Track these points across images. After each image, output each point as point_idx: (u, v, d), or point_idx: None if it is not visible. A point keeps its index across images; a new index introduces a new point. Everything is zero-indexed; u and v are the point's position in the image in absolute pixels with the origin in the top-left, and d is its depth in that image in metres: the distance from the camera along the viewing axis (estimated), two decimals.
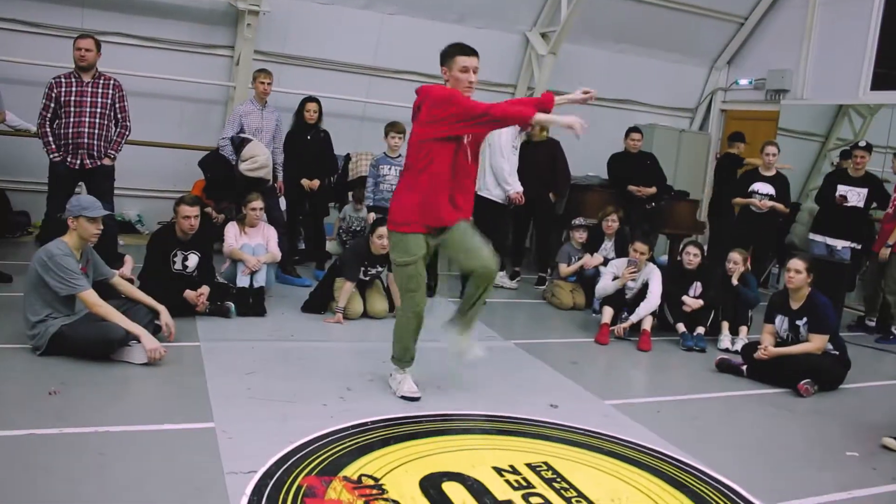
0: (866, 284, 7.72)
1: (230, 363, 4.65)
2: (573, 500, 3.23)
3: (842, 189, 7.39)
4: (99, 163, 6.22)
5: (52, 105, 6.05)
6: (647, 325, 6.10)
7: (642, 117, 10.74)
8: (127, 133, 6.38)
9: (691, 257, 6.32)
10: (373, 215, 6.65)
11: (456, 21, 9.27)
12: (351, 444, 3.59)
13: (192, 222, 5.58)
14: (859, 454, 4.14)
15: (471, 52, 4.14)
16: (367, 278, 6.11)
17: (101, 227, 4.59)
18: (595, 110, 10.56)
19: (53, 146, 6.08)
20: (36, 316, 4.39)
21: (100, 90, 6.16)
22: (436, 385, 4.48)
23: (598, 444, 3.87)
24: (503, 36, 9.69)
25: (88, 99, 6.11)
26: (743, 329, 6.29)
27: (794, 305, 5.31)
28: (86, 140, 6.12)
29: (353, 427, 3.78)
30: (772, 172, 7.73)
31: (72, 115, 6.08)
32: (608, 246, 7.36)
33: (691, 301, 6.24)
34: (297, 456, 3.41)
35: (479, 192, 7.21)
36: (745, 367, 5.39)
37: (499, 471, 3.44)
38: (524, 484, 3.34)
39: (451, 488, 3.24)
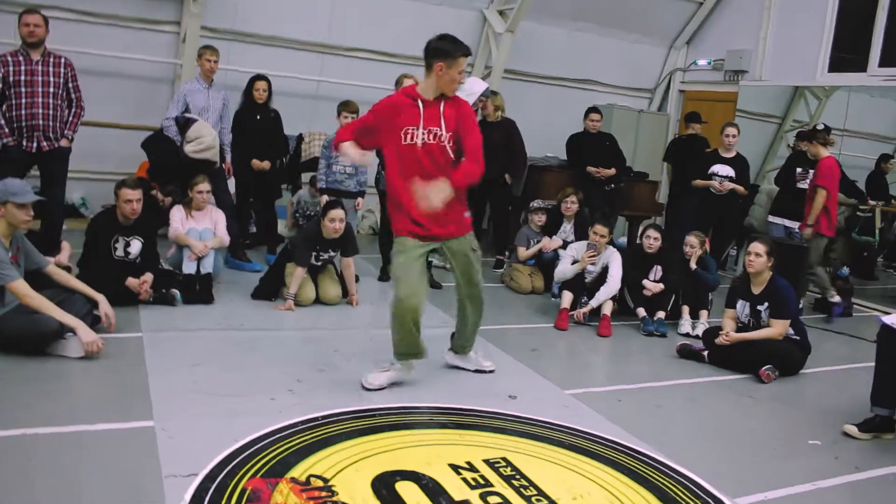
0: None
1: (174, 355, 4.42)
2: (533, 499, 3.09)
3: (800, 172, 7.40)
4: (56, 145, 5.94)
5: (0, 86, 5.73)
6: (607, 309, 5.99)
7: (601, 97, 10.62)
8: (82, 113, 6.14)
9: (651, 241, 6.22)
10: (325, 198, 6.42)
11: None
12: (299, 442, 3.40)
13: (135, 206, 5.30)
14: (822, 442, 4.09)
15: (470, 52, 4.11)
16: (319, 263, 5.89)
17: (32, 213, 4.30)
18: (554, 90, 10.48)
19: (6, 130, 5.77)
20: None
21: (51, 69, 5.87)
22: None
23: (559, 438, 3.74)
24: (460, 13, 9.45)
25: (40, 78, 5.83)
26: (703, 313, 6.23)
27: (756, 290, 5.24)
28: (41, 122, 5.85)
29: (301, 423, 3.59)
30: (731, 154, 7.69)
31: (23, 95, 5.79)
32: (567, 228, 7.23)
33: (651, 285, 6.14)
34: (242, 456, 3.21)
35: None
36: (706, 353, 5.31)
37: (455, 468, 3.29)
38: (482, 482, 3.19)
39: (405, 488, 3.08)
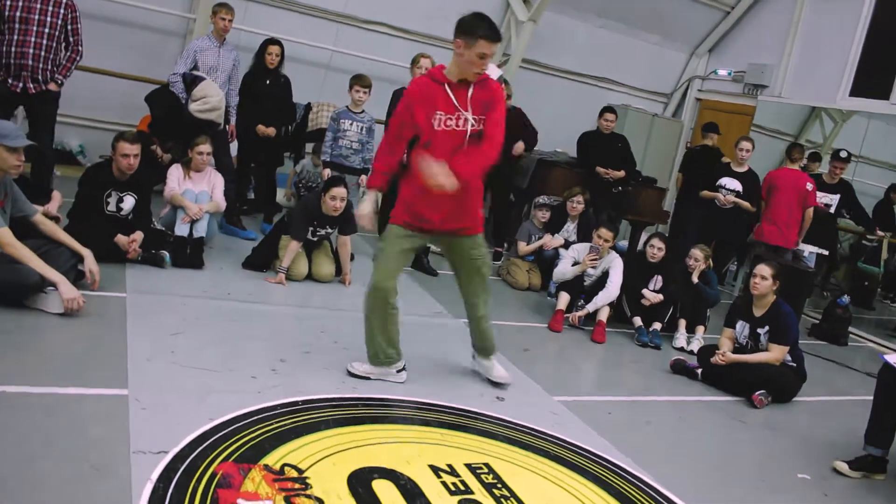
0: None
1: (156, 320, 4.27)
2: None
3: (817, 195, 7.28)
4: (44, 87, 5.73)
5: None
6: (604, 315, 5.87)
7: (616, 97, 10.48)
8: (78, 58, 5.91)
9: (655, 250, 6.08)
10: (328, 172, 6.26)
11: None
12: (277, 427, 3.27)
13: (132, 161, 5.13)
14: (811, 477, 3.98)
15: (497, 38, 3.68)
16: (315, 239, 5.75)
17: (23, 158, 4.14)
18: (570, 84, 10.32)
19: None
20: None
21: (50, 7, 5.64)
22: None
23: (545, 447, 3.61)
24: None
25: (37, 17, 5.60)
26: (700, 328, 6.10)
27: (757, 312, 5.11)
28: (30, 62, 5.63)
29: (281, 406, 3.46)
30: (743, 168, 7.55)
31: (16, 32, 5.56)
32: (570, 228, 7.09)
33: (651, 295, 6.02)
34: (217, 436, 3.07)
35: None
36: (700, 371, 5.19)
37: (436, 470, 3.16)
38: (461, 488, 3.06)
39: (382, 487, 2.95)
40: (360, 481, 2.96)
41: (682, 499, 3.37)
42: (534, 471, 3.35)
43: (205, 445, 2.98)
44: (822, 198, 7.25)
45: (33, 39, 5.60)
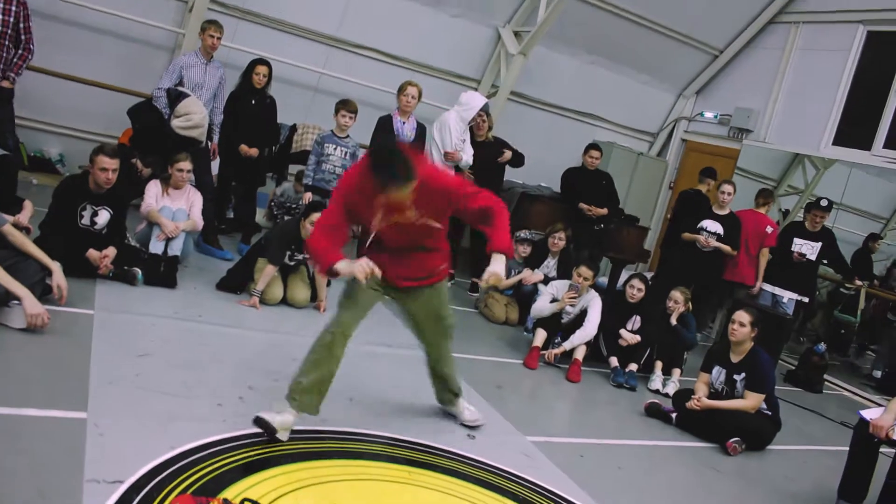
0: None
1: (123, 340, 4.16)
2: None
3: (797, 243, 7.32)
4: None
5: None
6: (580, 354, 5.82)
7: (602, 134, 10.51)
8: (29, 56, 5.87)
9: (635, 291, 6.05)
10: (309, 196, 6.19)
11: (430, 4, 8.85)
12: (240, 458, 3.17)
13: (110, 176, 5.03)
14: None
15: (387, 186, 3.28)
16: (292, 263, 5.66)
17: None
18: (556, 119, 10.34)
19: None
20: None
21: (1, 5, 5.57)
22: (347, 396, 4.07)
23: (515, 490, 3.53)
24: (475, 28, 9.30)
25: None
26: (676, 371, 6.06)
27: (735, 359, 5.08)
28: None
29: (245, 437, 3.36)
30: (724, 211, 7.55)
31: None
32: (551, 264, 7.05)
33: (629, 336, 5.97)
34: (176, 466, 2.97)
35: None
36: (674, 415, 5.14)
37: None
38: None
39: None
40: None
41: None
42: None
43: (163, 476, 2.87)
44: (803, 246, 7.26)
45: None
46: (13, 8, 5.61)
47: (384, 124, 6.53)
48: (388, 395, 4.32)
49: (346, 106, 6.37)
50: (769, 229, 7.78)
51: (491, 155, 7.46)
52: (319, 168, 6.33)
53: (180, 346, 4.33)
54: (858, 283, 8.22)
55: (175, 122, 6.12)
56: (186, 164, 5.75)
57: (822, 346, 7.68)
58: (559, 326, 6.02)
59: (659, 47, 10.09)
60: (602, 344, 6.09)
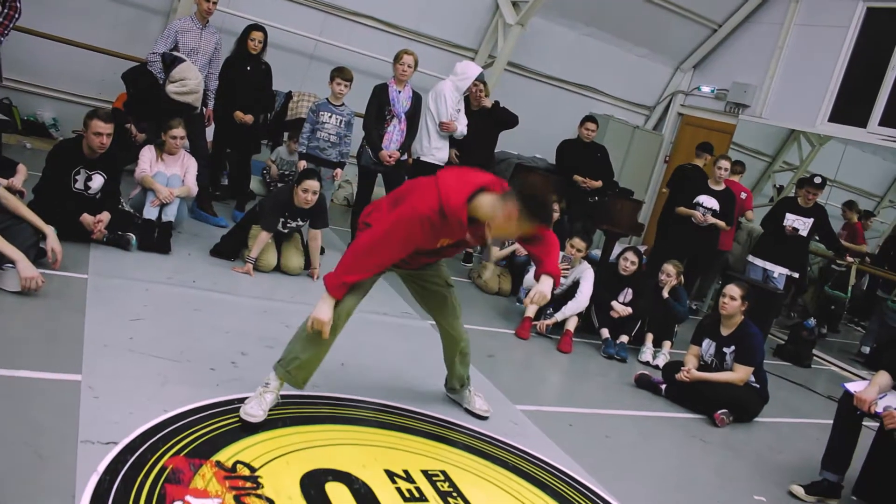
0: None
1: (117, 305, 4.18)
2: None
3: (790, 218, 7.33)
4: None
5: None
6: (571, 325, 5.86)
7: (599, 106, 10.49)
8: (16, 16, 5.71)
9: (628, 264, 6.08)
10: (303, 163, 6.18)
11: None
12: (232, 422, 3.21)
13: (104, 140, 5.01)
14: (767, 499, 3.99)
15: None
16: (286, 230, 5.67)
17: None
18: (553, 91, 10.30)
19: None
20: None
21: None
22: (339, 362, 4.10)
23: (503, 457, 3.58)
24: None
25: None
26: (667, 343, 6.10)
27: (725, 332, 5.12)
28: None
29: (238, 401, 3.38)
30: (720, 187, 7.56)
31: None
32: None
33: (620, 308, 6.02)
34: (169, 429, 3.01)
35: (421, 158, 6.86)
36: (663, 387, 5.20)
37: (391, 475, 3.12)
38: (416, 495, 3.02)
39: (335, 490, 2.90)
40: (314, 483, 2.90)
41: None
42: (491, 481, 3.32)
43: (156, 438, 2.91)
44: (796, 221, 7.30)
45: None
46: None
47: (380, 93, 6.51)
48: (379, 361, 4.35)
49: (341, 74, 6.33)
50: (743, 195, 8.20)
51: (491, 121, 7.42)
52: (314, 136, 6.30)
53: (174, 312, 4.35)
54: (850, 259, 8.27)
55: (170, 88, 6.09)
56: (179, 132, 5.72)
57: (812, 321, 7.75)
58: (552, 297, 6.04)
59: (657, 20, 10.04)
60: (594, 315, 6.13)
